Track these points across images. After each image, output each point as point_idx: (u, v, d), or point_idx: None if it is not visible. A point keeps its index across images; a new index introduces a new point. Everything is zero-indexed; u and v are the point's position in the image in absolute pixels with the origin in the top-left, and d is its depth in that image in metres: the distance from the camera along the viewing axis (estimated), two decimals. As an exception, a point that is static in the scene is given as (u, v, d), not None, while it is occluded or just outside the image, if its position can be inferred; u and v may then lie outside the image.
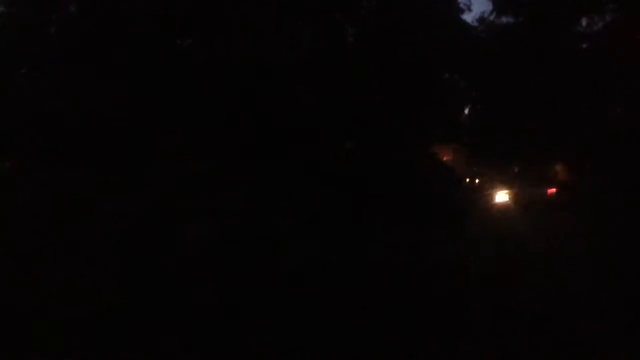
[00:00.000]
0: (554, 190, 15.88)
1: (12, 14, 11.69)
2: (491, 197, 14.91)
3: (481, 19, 18.55)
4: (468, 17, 18.58)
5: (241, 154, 10.54)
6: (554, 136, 16.80)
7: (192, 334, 5.41)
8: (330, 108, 13.13)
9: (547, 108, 16.98)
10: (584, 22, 17.71)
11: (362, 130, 14.57)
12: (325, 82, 13.28)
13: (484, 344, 5.13)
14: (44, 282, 7.25)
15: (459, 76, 20.04)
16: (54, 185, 8.77)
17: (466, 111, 23.08)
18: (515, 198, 15.48)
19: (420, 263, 9.82)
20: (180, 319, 6.06)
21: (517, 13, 18.26)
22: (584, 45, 18.04)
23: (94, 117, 9.14)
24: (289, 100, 11.90)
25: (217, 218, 9.40)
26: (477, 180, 23.32)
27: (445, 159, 23.75)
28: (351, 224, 12.17)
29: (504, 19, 18.54)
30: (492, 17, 18.47)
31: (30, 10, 11.60)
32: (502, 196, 15.11)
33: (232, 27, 10.44)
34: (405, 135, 15.83)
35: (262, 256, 9.60)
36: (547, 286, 7.40)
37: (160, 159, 9.66)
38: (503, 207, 15.10)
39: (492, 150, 19.44)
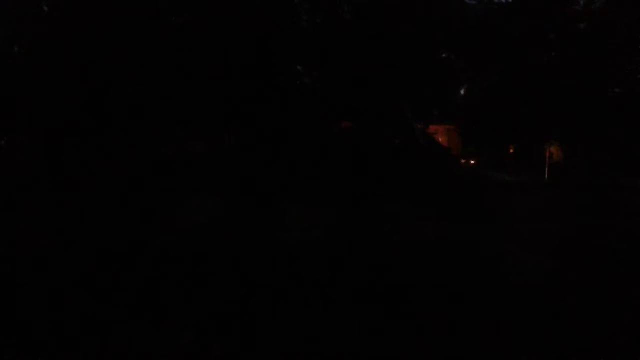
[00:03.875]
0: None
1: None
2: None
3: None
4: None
5: (242, 134, 10.45)
6: (550, 116, 16.81)
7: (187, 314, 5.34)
8: (328, 86, 13.01)
9: (544, 87, 16.95)
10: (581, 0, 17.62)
11: (359, 108, 14.49)
12: (323, 59, 13.13)
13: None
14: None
15: (455, 55, 19.94)
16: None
17: (462, 91, 23.11)
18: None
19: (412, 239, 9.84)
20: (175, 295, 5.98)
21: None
22: (582, 25, 17.96)
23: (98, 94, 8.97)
24: (289, 78, 11.75)
25: (218, 193, 9.42)
26: (472, 161, 23.46)
27: (440, 139, 23.80)
28: (349, 200, 12.18)
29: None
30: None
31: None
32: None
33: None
34: (402, 114, 15.77)
35: (261, 231, 9.60)
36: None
37: (165, 140, 9.58)
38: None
39: (488, 130, 19.47)
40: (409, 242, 9.35)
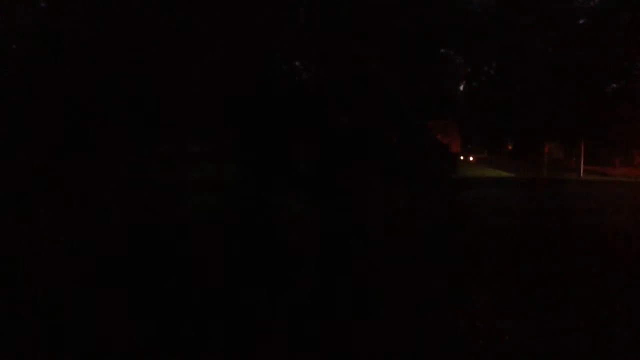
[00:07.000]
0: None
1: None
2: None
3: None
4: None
5: (240, 131, 10.50)
6: (549, 113, 16.82)
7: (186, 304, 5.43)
8: (326, 82, 13.02)
9: (544, 84, 16.95)
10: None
11: (358, 104, 14.50)
12: (321, 54, 13.14)
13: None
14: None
15: (454, 52, 19.91)
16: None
17: (461, 87, 23.10)
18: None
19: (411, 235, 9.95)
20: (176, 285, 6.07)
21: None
22: (581, 21, 17.93)
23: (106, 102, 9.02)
24: (287, 75, 11.77)
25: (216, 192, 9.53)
26: (471, 158, 23.50)
27: (439, 135, 23.81)
28: (346, 199, 12.24)
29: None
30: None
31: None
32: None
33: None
34: (400, 111, 15.78)
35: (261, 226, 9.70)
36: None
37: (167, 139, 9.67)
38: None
39: (487, 127, 19.49)
40: (402, 240, 9.47)
